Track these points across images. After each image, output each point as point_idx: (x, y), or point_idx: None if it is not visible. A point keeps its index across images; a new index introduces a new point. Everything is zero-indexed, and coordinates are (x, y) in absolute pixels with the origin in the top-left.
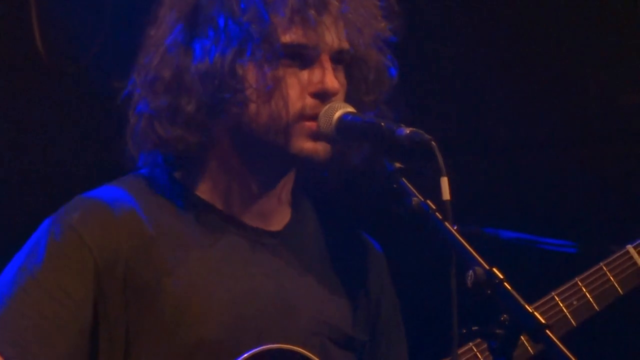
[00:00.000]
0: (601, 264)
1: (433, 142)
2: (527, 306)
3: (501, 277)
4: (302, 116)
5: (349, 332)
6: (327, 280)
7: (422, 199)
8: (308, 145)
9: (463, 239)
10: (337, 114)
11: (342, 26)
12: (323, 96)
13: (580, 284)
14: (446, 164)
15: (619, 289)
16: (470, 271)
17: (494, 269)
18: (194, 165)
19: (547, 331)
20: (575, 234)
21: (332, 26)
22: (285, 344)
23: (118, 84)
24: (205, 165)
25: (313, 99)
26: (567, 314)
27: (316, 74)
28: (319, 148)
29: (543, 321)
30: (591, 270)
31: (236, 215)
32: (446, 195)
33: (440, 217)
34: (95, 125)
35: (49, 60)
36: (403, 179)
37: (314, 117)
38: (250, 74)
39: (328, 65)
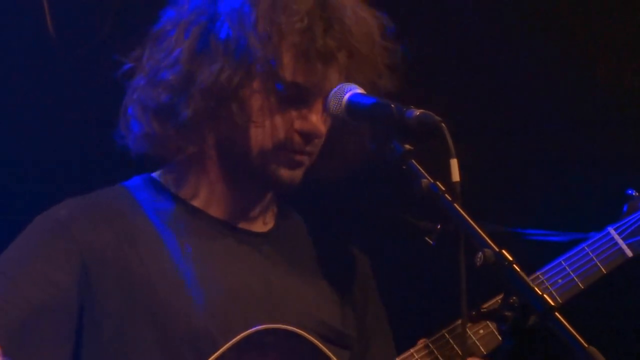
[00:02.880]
0: (584, 245)
1: (443, 124)
2: (536, 289)
3: (510, 259)
4: (284, 148)
5: (337, 327)
6: (313, 280)
7: (432, 181)
8: (285, 174)
9: (472, 221)
10: (347, 95)
11: (343, 76)
12: (307, 136)
13: (563, 263)
14: (456, 146)
15: (602, 268)
16: (480, 253)
17: (504, 251)
18: (181, 171)
19: (556, 313)
20: (565, 218)
21: (335, 76)
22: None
23: (119, 58)
24: (192, 171)
25: (298, 136)
26: (553, 292)
27: (307, 115)
28: (294, 176)
29: (552, 303)
30: (574, 251)
31: (222, 217)
32: (456, 176)
33: (449, 198)
34: (104, 111)
35: (59, 44)
36: (412, 160)
37: (295, 152)
38: (252, 100)
39: (319, 108)
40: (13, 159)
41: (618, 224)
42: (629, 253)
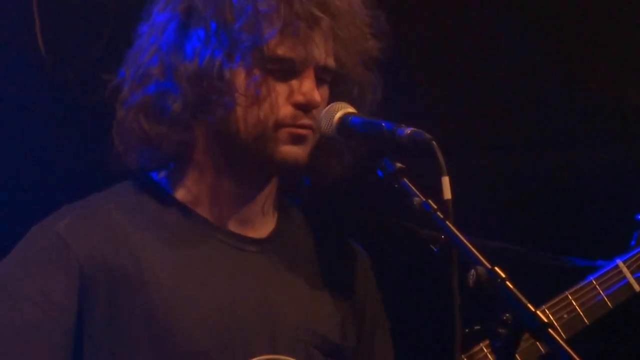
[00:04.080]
0: (591, 278)
1: (434, 142)
2: (529, 305)
3: (503, 276)
4: (282, 124)
5: (335, 340)
6: (313, 288)
7: (424, 199)
8: (288, 151)
9: (464, 238)
10: (338, 115)
11: (330, 43)
12: (304, 107)
13: (570, 297)
14: (447, 163)
15: (609, 303)
16: (472, 270)
17: (496, 268)
18: (178, 173)
19: (549, 330)
20: (569, 240)
21: (321, 42)
22: (273, 353)
23: (108, 77)
24: (190, 172)
25: (294, 109)
26: (558, 327)
27: (300, 86)
28: (298, 153)
29: (545, 320)
30: (581, 284)
31: (220, 222)
32: (447, 194)
33: (441, 216)
34: (97, 130)
35: (51, 64)
36: (404, 178)
37: (295, 127)
38: (238, 78)
39: (312, 78)
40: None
41: (627, 257)
42: (637, 287)
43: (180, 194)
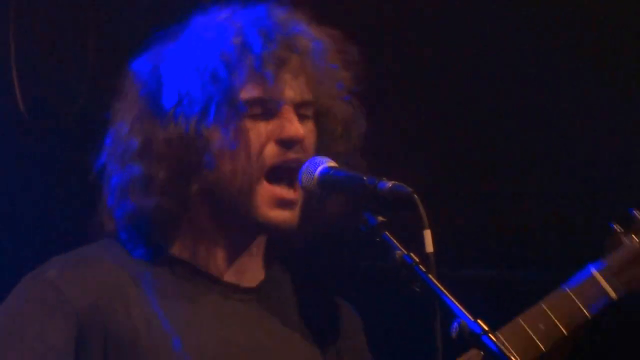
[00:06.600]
0: (566, 288)
1: (415, 195)
2: (513, 357)
3: (486, 328)
4: (270, 165)
5: None
6: (302, 339)
7: (405, 252)
8: (275, 214)
9: (447, 291)
10: (320, 169)
11: (303, 80)
12: (288, 143)
13: (544, 307)
14: (429, 216)
15: (586, 312)
16: (455, 323)
17: (479, 321)
18: (168, 226)
19: None
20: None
21: (293, 81)
22: None
23: (92, 158)
24: (179, 225)
25: (279, 147)
26: (535, 338)
27: (280, 123)
28: (286, 216)
29: None
30: (555, 294)
31: (210, 271)
32: (429, 247)
33: (424, 269)
34: (77, 183)
35: (29, 117)
36: (386, 232)
37: (281, 171)
38: (215, 133)
39: (291, 114)
40: None
41: (601, 265)
42: (613, 295)
43: (171, 247)
